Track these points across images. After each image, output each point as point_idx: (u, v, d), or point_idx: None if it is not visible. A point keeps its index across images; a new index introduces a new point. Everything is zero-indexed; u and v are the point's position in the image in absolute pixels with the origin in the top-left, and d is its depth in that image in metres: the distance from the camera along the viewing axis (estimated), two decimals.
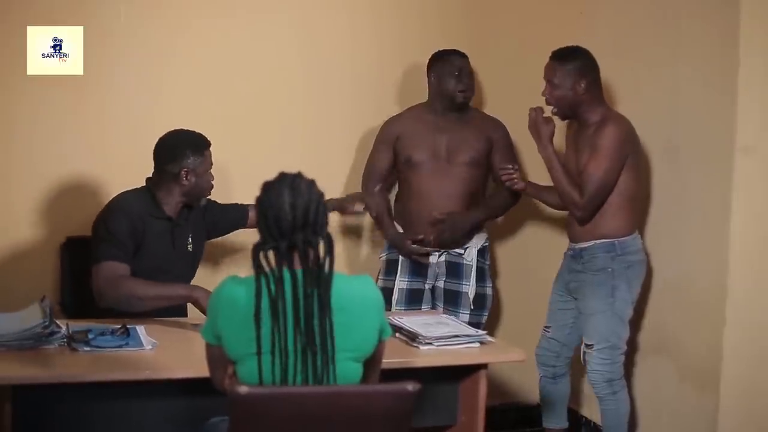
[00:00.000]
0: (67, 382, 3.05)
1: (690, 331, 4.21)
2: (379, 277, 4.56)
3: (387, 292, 4.46)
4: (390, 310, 4.34)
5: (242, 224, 4.19)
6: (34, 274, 4.30)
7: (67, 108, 4.34)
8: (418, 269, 4.52)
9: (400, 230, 4.55)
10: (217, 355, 2.78)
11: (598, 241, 4.17)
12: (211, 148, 3.85)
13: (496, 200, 4.64)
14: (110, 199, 3.84)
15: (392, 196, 4.70)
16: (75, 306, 3.84)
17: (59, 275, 4.11)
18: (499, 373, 4.89)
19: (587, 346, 4.22)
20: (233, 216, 4.16)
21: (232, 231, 4.22)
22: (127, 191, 3.82)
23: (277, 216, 2.63)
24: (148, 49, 4.42)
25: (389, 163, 4.57)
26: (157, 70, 4.44)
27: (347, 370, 2.71)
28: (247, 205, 4.15)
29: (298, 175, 2.72)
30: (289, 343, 2.64)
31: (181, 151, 3.77)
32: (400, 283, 4.52)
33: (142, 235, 3.71)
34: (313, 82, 4.69)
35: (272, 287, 2.61)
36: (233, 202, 4.22)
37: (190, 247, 3.92)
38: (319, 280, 2.63)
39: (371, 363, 2.81)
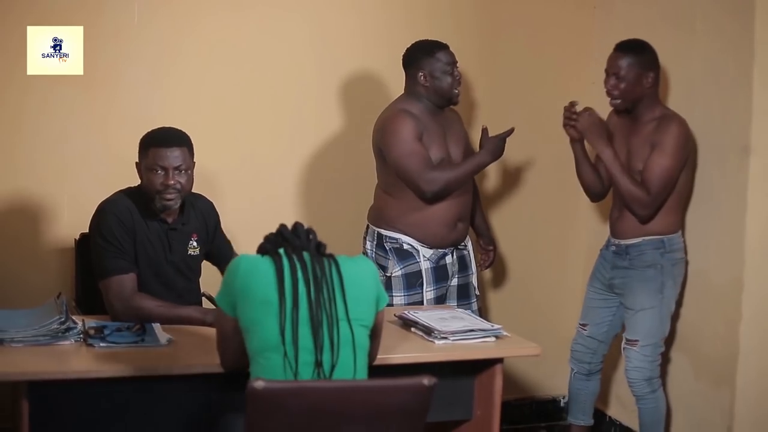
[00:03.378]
0: (83, 378, 3.05)
1: (706, 327, 4.20)
2: (394, 294, 4.26)
3: None
4: None
5: (220, 264, 3.92)
6: (49, 272, 4.32)
7: (67, 108, 4.35)
8: (441, 274, 4.34)
9: (413, 242, 4.31)
10: (228, 327, 2.91)
11: (646, 238, 4.14)
12: (166, 147, 3.60)
13: (480, 206, 4.67)
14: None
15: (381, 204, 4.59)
16: (90, 302, 3.84)
17: (74, 272, 4.12)
18: (515, 368, 4.89)
19: (630, 342, 4.17)
20: (221, 253, 3.93)
21: (214, 265, 3.99)
22: (118, 191, 3.73)
23: (276, 233, 2.94)
24: (149, 48, 4.42)
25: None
26: (158, 70, 4.44)
27: (360, 336, 2.86)
28: (233, 254, 3.90)
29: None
30: (302, 310, 2.79)
31: (139, 145, 3.67)
32: (428, 293, 4.31)
33: (132, 234, 3.63)
34: (324, 81, 4.68)
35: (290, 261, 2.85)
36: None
37: (193, 251, 3.79)
38: (325, 257, 2.89)
39: (374, 333, 2.95)
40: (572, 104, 4.23)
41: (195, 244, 3.79)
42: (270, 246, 2.90)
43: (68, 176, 4.36)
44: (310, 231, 2.94)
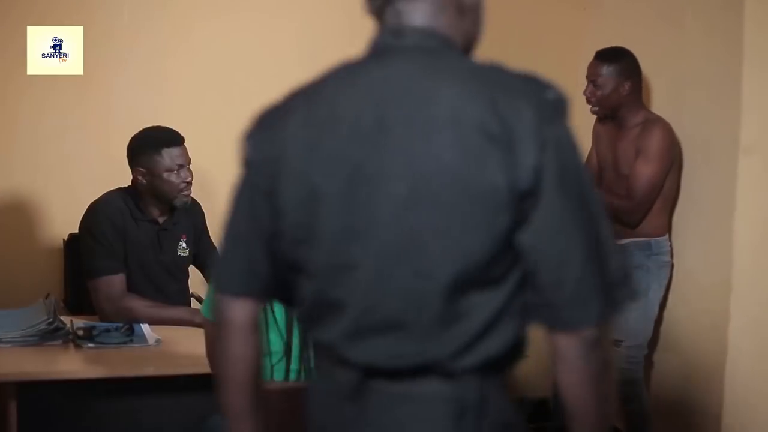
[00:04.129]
0: (72, 378, 3.06)
1: (694, 329, 4.21)
2: None
3: None
4: None
5: (206, 269, 3.92)
6: (38, 272, 4.31)
7: (67, 108, 4.34)
8: None
9: None
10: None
11: (634, 239, 4.14)
12: (179, 146, 3.66)
13: None
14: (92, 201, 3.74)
15: None
16: (78, 303, 3.84)
17: (62, 273, 4.12)
18: None
19: (615, 342, 4.19)
20: (207, 257, 3.89)
21: (198, 268, 3.97)
22: (110, 191, 3.74)
23: None
24: (148, 49, 4.42)
25: None
26: (158, 71, 4.44)
27: None
28: None
29: None
30: (294, 318, 2.74)
31: (137, 148, 3.66)
32: None
33: (123, 235, 3.63)
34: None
35: None
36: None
37: (182, 252, 3.80)
38: None
39: None
40: None
41: (184, 245, 3.80)
42: None
43: (59, 176, 4.35)
44: None
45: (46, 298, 3.41)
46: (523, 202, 1.62)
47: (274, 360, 2.77)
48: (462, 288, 1.66)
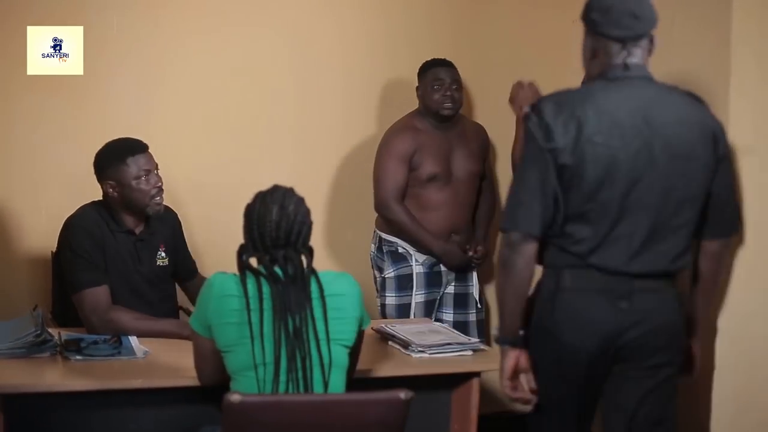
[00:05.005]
0: (59, 391, 3.05)
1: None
2: (387, 294, 4.50)
3: (404, 309, 4.46)
4: None
5: (182, 281, 3.96)
6: (26, 284, 4.30)
7: (66, 108, 4.35)
8: (434, 280, 4.50)
9: (408, 246, 4.50)
10: (205, 348, 2.89)
11: None
12: (143, 153, 3.65)
13: (486, 216, 4.72)
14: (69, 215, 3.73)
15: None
16: (66, 315, 3.83)
17: (50, 284, 4.10)
18: (492, 381, 4.88)
19: None
20: (183, 268, 3.95)
21: (176, 281, 3.97)
22: (84, 205, 3.73)
23: (261, 232, 2.83)
24: (147, 49, 4.44)
25: (407, 178, 4.45)
26: (157, 71, 4.46)
27: (339, 355, 2.85)
28: (196, 271, 3.99)
29: (289, 193, 2.88)
30: (281, 330, 2.77)
31: (102, 162, 3.67)
32: (418, 296, 4.48)
33: (102, 247, 3.63)
34: (304, 90, 4.70)
35: (258, 285, 2.80)
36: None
37: (162, 261, 3.79)
38: (299, 278, 2.82)
39: (353, 351, 2.95)
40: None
41: (163, 254, 3.80)
42: (250, 254, 2.87)
43: (62, 179, 4.34)
44: (298, 231, 2.86)
45: (34, 310, 3.40)
46: (716, 165, 2.93)
47: (261, 372, 2.77)
48: (693, 223, 2.92)
